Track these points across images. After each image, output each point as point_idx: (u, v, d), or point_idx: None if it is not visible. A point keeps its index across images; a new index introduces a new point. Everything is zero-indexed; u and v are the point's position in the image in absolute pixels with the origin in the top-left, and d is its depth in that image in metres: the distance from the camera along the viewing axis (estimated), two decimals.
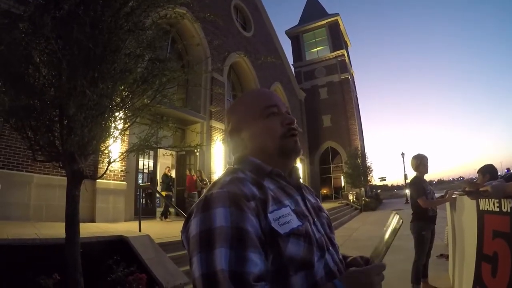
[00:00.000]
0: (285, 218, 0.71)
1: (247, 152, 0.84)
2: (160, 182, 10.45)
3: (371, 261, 0.81)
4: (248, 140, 0.84)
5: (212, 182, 0.78)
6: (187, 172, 10.44)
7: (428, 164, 3.84)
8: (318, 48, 30.34)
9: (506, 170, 29.96)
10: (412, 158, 3.92)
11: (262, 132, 0.82)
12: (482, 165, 3.62)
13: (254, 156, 0.82)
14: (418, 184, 3.73)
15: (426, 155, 3.88)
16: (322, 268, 0.73)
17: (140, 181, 9.75)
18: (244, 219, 0.64)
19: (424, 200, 3.63)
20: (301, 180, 0.91)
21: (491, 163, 3.50)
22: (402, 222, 0.84)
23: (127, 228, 5.94)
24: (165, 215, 9.31)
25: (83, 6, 3.01)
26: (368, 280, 0.70)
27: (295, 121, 0.85)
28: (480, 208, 2.45)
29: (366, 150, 29.56)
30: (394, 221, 0.84)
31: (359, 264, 0.82)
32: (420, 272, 3.70)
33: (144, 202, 9.63)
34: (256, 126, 0.83)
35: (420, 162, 3.82)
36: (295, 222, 0.71)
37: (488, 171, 3.46)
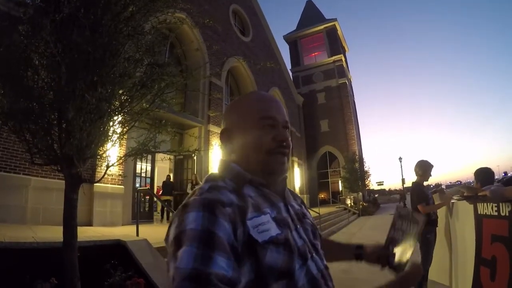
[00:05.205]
0: (264, 225, 0.69)
1: (232, 158, 0.82)
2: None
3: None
4: (237, 146, 0.81)
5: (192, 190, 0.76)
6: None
7: (432, 170, 3.86)
8: (316, 53, 30.48)
9: (503, 174, 30.08)
10: (416, 164, 3.91)
11: (250, 143, 0.78)
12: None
13: (237, 164, 0.80)
14: (419, 190, 3.74)
15: (426, 160, 3.90)
16: (304, 275, 0.71)
17: (137, 185, 9.74)
18: (215, 224, 0.63)
19: (423, 206, 3.64)
20: (287, 187, 0.87)
21: (487, 166, 3.44)
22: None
23: (124, 232, 5.91)
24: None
25: (83, 9, 3.02)
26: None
27: (289, 138, 0.80)
28: (479, 212, 2.46)
29: (364, 155, 29.66)
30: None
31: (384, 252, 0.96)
32: (426, 276, 3.72)
33: (143, 206, 9.79)
34: (247, 134, 0.79)
35: (425, 169, 3.83)
36: (274, 230, 0.70)
37: (479, 178, 3.33)
